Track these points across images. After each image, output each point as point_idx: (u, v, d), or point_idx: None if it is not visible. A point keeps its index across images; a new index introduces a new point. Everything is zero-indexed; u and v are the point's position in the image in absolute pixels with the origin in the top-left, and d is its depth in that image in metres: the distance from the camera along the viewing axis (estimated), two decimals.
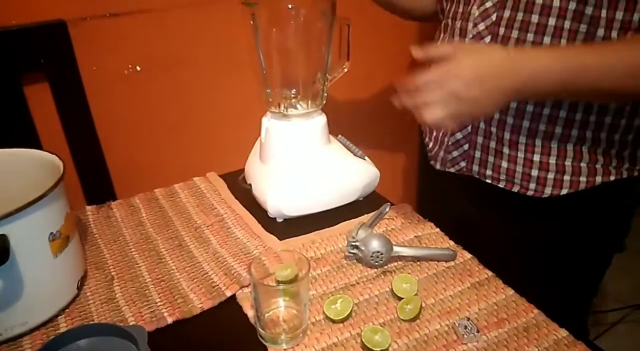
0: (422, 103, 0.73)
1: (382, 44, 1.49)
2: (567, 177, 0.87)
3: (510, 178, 0.90)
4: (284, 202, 0.92)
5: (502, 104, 0.75)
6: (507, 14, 0.83)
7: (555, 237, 0.92)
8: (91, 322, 0.72)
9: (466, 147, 0.93)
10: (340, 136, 1.03)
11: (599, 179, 0.87)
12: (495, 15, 0.84)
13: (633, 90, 0.72)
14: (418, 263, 0.83)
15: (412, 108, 0.74)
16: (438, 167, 0.99)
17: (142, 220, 0.95)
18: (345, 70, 0.98)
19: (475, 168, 0.94)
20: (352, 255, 0.83)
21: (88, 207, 0.98)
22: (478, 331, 0.69)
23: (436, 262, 0.83)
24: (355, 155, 0.99)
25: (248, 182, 0.99)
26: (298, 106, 0.94)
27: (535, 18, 0.80)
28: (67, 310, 0.75)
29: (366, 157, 1.00)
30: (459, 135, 0.93)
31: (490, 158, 0.91)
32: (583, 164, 0.86)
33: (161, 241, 0.89)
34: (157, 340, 0.67)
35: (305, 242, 0.88)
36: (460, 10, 0.91)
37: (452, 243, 0.87)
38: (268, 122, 0.95)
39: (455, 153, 0.95)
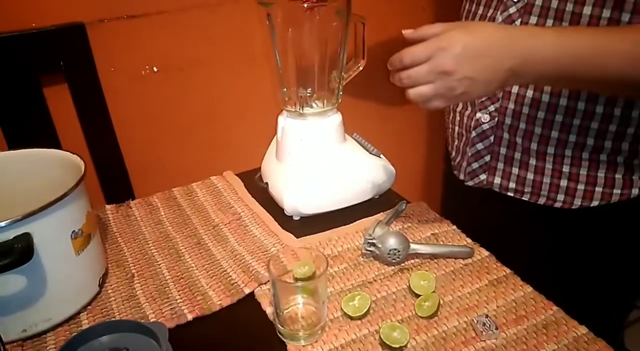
0: (406, 77, 0.68)
1: (396, 43, 1.49)
2: (599, 189, 0.83)
3: (537, 191, 0.87)
4: (300, 200, 0.92)
5: (497, 86, 0.68)
6: (533, 20, 0.80)
7: (586, 250, 0.88)
8: (113, 319, 0.73)
9: (487, 158, 0.91)
10: (355, 134, 1.03)
11: (635, 191, 0.83)
12: (519, 21, 0.81)
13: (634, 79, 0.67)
14: (435, 260, 0.83)
15: (400, 85, 0.69)
16: (461, 177, 0.98)
17: (161, 219, 0.96)
18: (361, 68, 0.98)
19: (497, 180, 0.91)
20: (369, 252, 0.83)
21: (108, 206, 0.99)
22: (497, 328, 0.69)
23: (453, 260, 0.83)
24: (370, 153, 0.99)
25: (264, 181, 1.00)
26: (314, 105, 0.95)
27: (565, 26, 0.76)
28: (89, 307, 0.76)
29: (382, 155, 1.00)
30: (480, 146, 0.91)
31: (515, 170, 0.88)
32: (618, 176, 0.82)
33: (180, 239, 0.90)
34: (178, 336, 0.68)
35: (322, 239, 0.89)
36: (481, 12, 0.88)
37: (469, 240, 0.87)
38: (284, 121, 0.95)
39: (475, 165, 0.93)
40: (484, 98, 0.89)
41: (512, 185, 0.90)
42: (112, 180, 1.15)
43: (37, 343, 0.70)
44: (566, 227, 0.88)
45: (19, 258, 0.63)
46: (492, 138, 0.89)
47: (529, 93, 0.84)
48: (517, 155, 0.88)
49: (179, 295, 0.77)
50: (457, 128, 0.99)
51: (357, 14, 0.92)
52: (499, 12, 0.84)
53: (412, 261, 0.83)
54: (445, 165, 1.10)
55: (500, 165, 0.90)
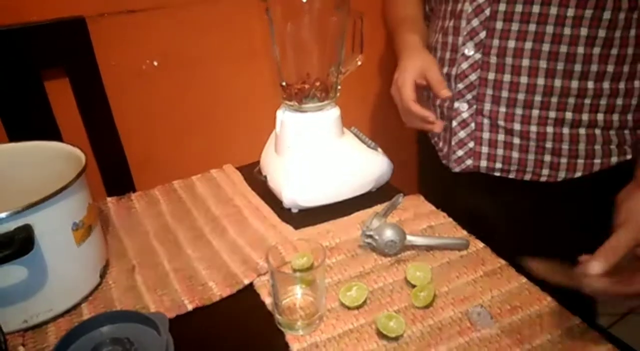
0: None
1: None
2: (580, 160, 0.87)
3: (522, 168, 0.90)
4: (299, 193, 0.93)
5: None
6: (502, 7, 0.82)
7: (573, 220, 0.91)
8: (114, 309, 0.74)
9: (471, 144, 0.93)
10: (353, 128, 1.04)
11: (614, 160, 0.87)
12: (489, 9, 0.84)
13: None
14: (431, 252, 0.84)
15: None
16: (449, 165, 0.99)
17: (161, 211, 0.97)
18: (359, 63, 0.99)
19: (483, 163, 0.93)
20: (366, 244, 0.84)
21: (109, 199, 1.00)
22: (491, 319, 0.70)
23: (449, 251, 0.84)
24: (368, 146, 1.00)
25: (263, 174, 1.01)
26: (312, 99, 0.95)
27: (536, 8, 0.80)
28: (90, 297, 0.77)
29: (379, 149, 1.01)
30: (462, 134, 0.93)
31: (500, 151, 0.91)
32: (597, 147, 0.86)
33: (180, 231, 0.91)
34: (178, 326, 0.69)
35: (321, 231, 0.90)
36: (450, 8, 0.91)
37: (464, 232, 0.88)
38: (283, 115, 0.96)
39: (460, 153, 0.95)
40: (460, 87, 0.91)
41: (498, 165, 0.92)
42: (113, 173, 1.16)
43: (38, 334, 0.71)
44: (552, 199, 0.92)
45: (20, 250, 0.64)
46: (472, 125, 0.92)
47: (506, 77, 0.87)
48: (501, 137, 0.90)
49: (179, 285, 0.78)
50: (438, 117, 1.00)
51: (356, 9, 0.93)
52: (468, 4, 0.86)
53: (409, 252, 0.84)
54: (420, 151, 1.15)
55: (485, 149, 0.92)
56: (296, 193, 0.93)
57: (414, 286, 0.76)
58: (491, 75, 0.88)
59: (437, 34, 0.96)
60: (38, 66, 1.05)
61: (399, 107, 0.93)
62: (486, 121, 0.90)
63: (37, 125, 1.06)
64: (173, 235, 0.90)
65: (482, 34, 0.86)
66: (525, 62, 0.85)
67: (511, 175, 0.92)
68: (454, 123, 0.94)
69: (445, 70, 0.94)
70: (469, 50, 0.89)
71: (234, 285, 0.78)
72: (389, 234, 0.82)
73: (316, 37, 0.92)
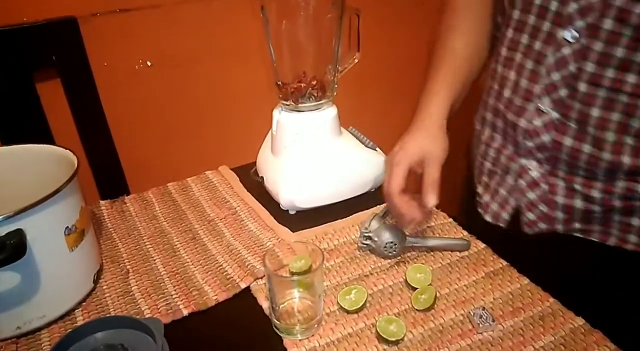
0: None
1: (392, 34, 1.48)
2: None
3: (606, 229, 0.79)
4: (296, 194, 0.92)
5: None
6: (589, 68, 0.70)
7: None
8: (108, 315, 0.73)
9: (545, 209, 0.81)
10: (351, 127, 1.03)
11: None
12: (574, 65, 0.70)
13: None
14: (432, 253, 0.83)
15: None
16: (488, 219, 0.89)
17: (155, 214, 0.95)
18: (356, 61, 0.97)
19: (559, 227, 0.81)
20: (365, 246, 0.83)
21: (102, 202, 0.99)
22: (493, 321, 0.69)
23: (450, 252, 0.83)
24: (366, 146, 0.99)
25: (260, 175, 1.00)
26: (309, 98, 0.94)
27: (632, 78, 0.67)
28: (84, 303, 0.76)
29: (378, 148, 1.00)
30: (531, 195, 0.81)
31: (576, 215, 0.79)
32: None
33: (175, 234, 0.89)
34: (173, 331, 0.68)
35: (318, 233, 0.88)
36: (528, 43, 0.77)
37: (465, 233, 0.87)
38: (279, 115, 0.95)
39: (530, 216, 0.83)
40: (529, 145, 0.79)
41: (577, 225, 0.80)
42: (106, 176, 1.15)
43: (31, 340, 0.70)
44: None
45: (12, 255, 0.63)
46: (546, 187, 0.80)
47: (586, 148, 0.74)
48: (578, 204, 0.77)
49: (175, 290, 0.77)
50: (488, 164, 0.89)
51: (352, 7, 0.91)
52: (551, 49, 0.73)
53: (409, 254, 0.83)
54: (465, 194, 0.99)
55: (560, 215, 0.80)
56: (293, 195, 0.92)
57: (414, 288, 0.75)
58: (569, 142, 0.75)
59: (508, 68, 0.81)
60: (29, 68, 1.03)
61: (384, 182, 0.82)
62: (561, 183, 0.78)
63: (29, 127, 1.05)
64: (168, 238, 0.88)
65: (563, 92, 0.73)
66: (610, 136, 0.71)
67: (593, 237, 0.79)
68: (521, 181, 0.82)
69: (510, 116, 0.81)
70: (545, 106, 0.76)
71: (230, 289, 0.77)
72: (388, 236, 0.81)
73: (312, 35, 0.91)
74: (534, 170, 0.81)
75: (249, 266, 0.81)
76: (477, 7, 0.89)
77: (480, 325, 0.69)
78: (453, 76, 0.87)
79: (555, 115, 0.75)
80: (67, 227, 0.71)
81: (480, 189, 0.92)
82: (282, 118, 0.94)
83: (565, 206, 0.79)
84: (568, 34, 0.70)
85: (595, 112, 0.71)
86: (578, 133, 0.73)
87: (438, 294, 0.74)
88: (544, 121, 0.76)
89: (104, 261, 0.83)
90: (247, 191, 1.00)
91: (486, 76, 0.90)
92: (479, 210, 0.92)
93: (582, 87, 0.70)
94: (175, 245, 0.87)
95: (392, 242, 0.81)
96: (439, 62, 0.88)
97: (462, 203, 1.02)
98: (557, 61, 0.72)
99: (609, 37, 0.67)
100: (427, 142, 0.81)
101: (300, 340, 0.68)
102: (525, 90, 0.78)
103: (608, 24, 0.67)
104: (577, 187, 0.77)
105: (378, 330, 0.68)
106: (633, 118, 0.69)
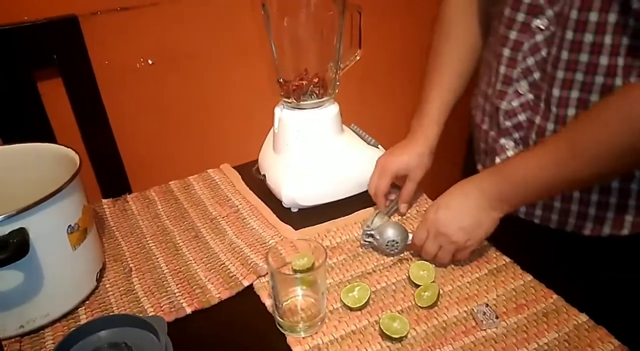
0: (424, 254, 0.79)
1: (393, 32, 1.48)
2: (629, 218, 0.79)
3: (564, 219, 0.83)
4: (298, 192, 0.92)
5: (495, 223, 0.75)
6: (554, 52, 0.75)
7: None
8: (111, 313, 0.73)
9: None
10: (353, 125, 1.03)
11: None
12: (545, 50, 0.76)
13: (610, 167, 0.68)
14: None
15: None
16: None
17: (158, 213, 0.95)
18: (357, 58, 0.97)
19: (522, 208, 0.86)
20: (367, 243, 0.83)
21: (104, 200, 0.99)
22: (497, 318, 0.69)
23: None
24: (368, 143, 0.98)
25: (262, 173, 0.99)
26: (310, 96, 0.94)
27: (584, 57, 0.72)
28: (87, 302, 0.76)
29: (379, 145, 1.00)
30: None
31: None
32: None
33: (177, 233, 0.89)
34: (177, 330, 0.68)
35: (321, 231, 0.88)
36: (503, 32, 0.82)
37: None
38: (281, 112, 0.94)
39: None
40: (508, 124, 0.84)
41: (537, 212, 0.85)
42: (108, 174, 1.15)
43: (35, 339, 0.70)
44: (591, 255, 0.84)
45: (15, 254, 0.63)
46: None
47: (550, 126, 0.79)
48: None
49: (178, 288, 0.77)
50: (482, 145, 0.93)
51: (353, 4, 0.91)
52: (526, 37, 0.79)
53: (411, 251, 0.83)
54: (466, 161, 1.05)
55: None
56: (296, 192, 0.92)
57: (417, 285, 0.75)
58: (537, 120, 0.80)
59: (493, 60, 0.87)
60: (30, 67, 1.03)
61: (371, 179, 0.92)
62: None
63: (30, 126, 1.05)
64: (170, 236, 0.88)
65: (536, 75, 0.79)
66: (571, 112, 0.76)
67: (552, 225, 0.84)
68: (497, 159, 0.88)
69: (494, 100, 0.87)
70: (522, 89, 0.81)
71: (233, 287, 0.77)
72: (390, 233, 0.81)
73: (313, 32, 0.91)
74: (510, 149, 0.86)
75: (251, 264, 0.81)
76: (468, 10, 0.93)
77: (484, 322, 0.68)
78: (448, 92, 0.93)
79: (530, 96, 0.81)
80: (70, 225, 0.71)
81: (480, 167, 0.96)
82: (284, 116, 0.94)
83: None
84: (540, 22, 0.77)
85: (556, 92, 0.76)
86: (545, 112, 0.79)
87: (441, 291, 0.74)
88: (521, 101, 0.83)
89: (106, 259, 0.83)
90: (250, 189, 1.00)
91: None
92: None
93: (549, 69, 0.76)
94: (178, 244, 0.87)
95: (394, 240, 0.80)
96: (433, 75, 0.94)
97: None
98: (531, 47, 0.79)
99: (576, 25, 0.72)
100: (414, 162, 0.90)
101: (303, 338, 0.68)
102: (504, 75, 0.84)
103: (574, 13, 0.71)
104: None
105: (381, 327, 0.67)
106: (591, 94, 0.74)
